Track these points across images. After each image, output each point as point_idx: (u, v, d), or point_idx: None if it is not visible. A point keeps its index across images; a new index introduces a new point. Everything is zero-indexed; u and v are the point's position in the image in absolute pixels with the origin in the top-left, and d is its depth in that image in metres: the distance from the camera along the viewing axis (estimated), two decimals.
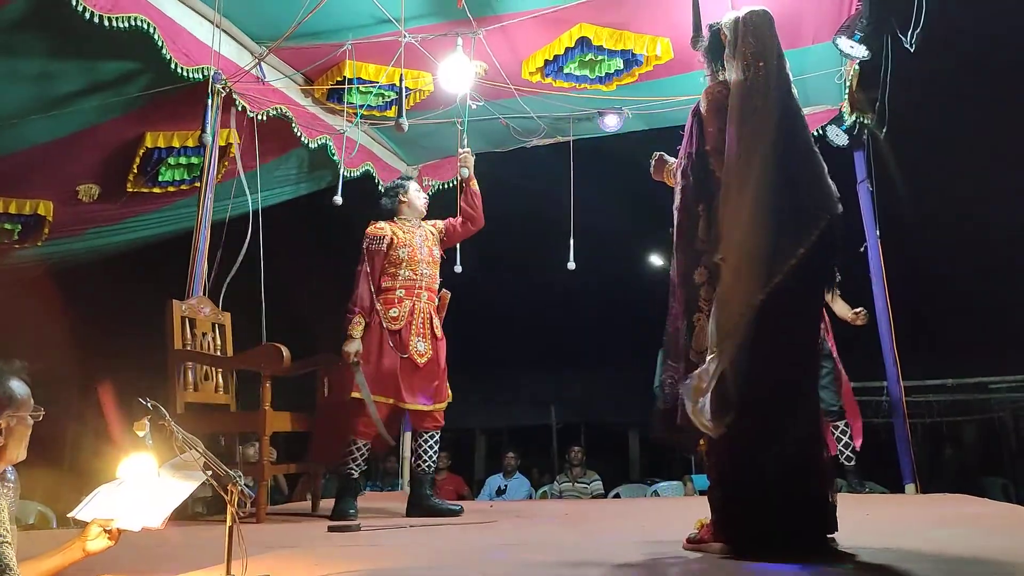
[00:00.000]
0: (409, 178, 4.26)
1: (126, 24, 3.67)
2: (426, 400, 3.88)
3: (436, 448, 3.96)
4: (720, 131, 2.42)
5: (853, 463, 4.80)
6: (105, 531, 1.95)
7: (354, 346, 3.78)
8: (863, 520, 3.16)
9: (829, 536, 2.27)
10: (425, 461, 3.93)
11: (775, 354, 2.27)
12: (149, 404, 1.97)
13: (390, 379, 3.82)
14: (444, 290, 4.13)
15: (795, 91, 2.45)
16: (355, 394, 3.75)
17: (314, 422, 4.02)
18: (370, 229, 4.02)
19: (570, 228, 5.44)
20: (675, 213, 2.52)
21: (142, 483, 1.99)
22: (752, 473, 2.26)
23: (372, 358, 3.82)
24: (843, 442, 4.72)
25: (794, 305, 2.29)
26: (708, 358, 2.25)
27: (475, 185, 4.17)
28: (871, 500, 4.38)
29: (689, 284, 2.42)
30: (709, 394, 2.21)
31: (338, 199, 4.98)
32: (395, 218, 4.09)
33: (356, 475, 3.84)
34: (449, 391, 4.03)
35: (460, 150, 4.25)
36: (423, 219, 4.18)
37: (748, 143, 2.33)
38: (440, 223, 4.19)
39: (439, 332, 4.01)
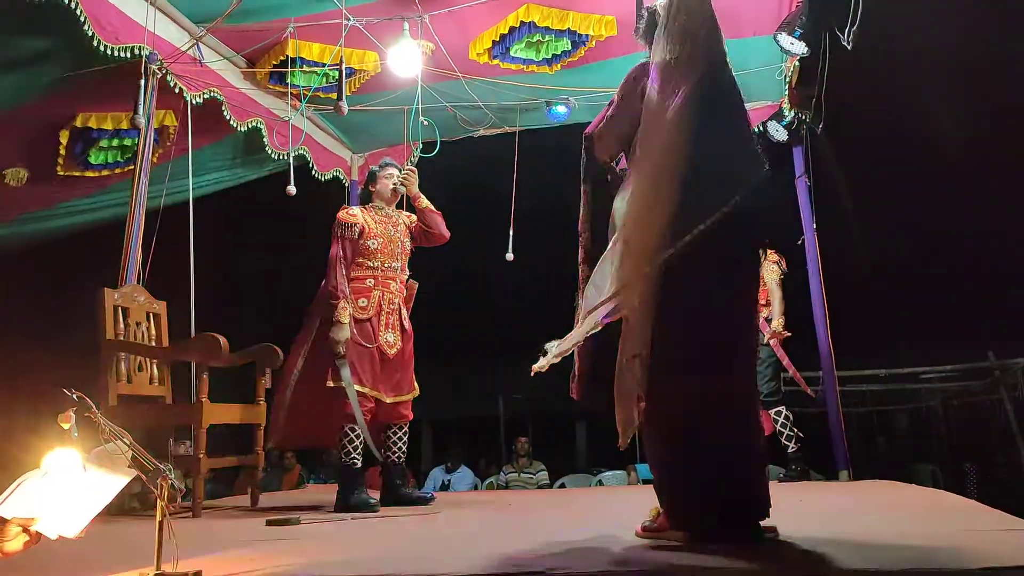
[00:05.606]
0: (387, 164, 4.02)
1: None
2: (396, 392, 3.83)
3: (406, 440, 3.94)
4: (611, 117, 2.51)
5: (794, 451, 4.81)
6: (25, 531, 1.88)
7: (343, 333, 3.61)
8: (796, 506, 3.24)
9: (760, 522, 2.26)
10: (395, 452, 3.91)
11: (701, 325, 2.23)
12: (75, 395, 1.92)
13: (368, 369, 3.72)
14: (411, 280, 4.06)
15: (730, 66, 2.42)
16: (338, 383, 3.61)
17: (280, 406, 3.82)
18: (341, 215, 3.84)
19: (511, 219, 5.42)
20: None
21: (67, 477, 1.92)
22: (688, 455, 2.23)
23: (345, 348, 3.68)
24: (784, 425, 4.78)
25: (720, 272, 2.26)
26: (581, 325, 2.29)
27: (423, 202, 3.97)
28: (804, 487, 4.50)
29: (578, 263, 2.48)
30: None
31: (291, 188, 4.82)
32: (369, 205, 3.97)
33: (360, 464, 3.67)
34: (416, 385, 3.97)
35: (405, 167, 4.04)
36: (399, 207, 4.04)
37: (669, 121, 2.31)
38: (413, 217, 4.04)
39: (407, 324, 3.93)
